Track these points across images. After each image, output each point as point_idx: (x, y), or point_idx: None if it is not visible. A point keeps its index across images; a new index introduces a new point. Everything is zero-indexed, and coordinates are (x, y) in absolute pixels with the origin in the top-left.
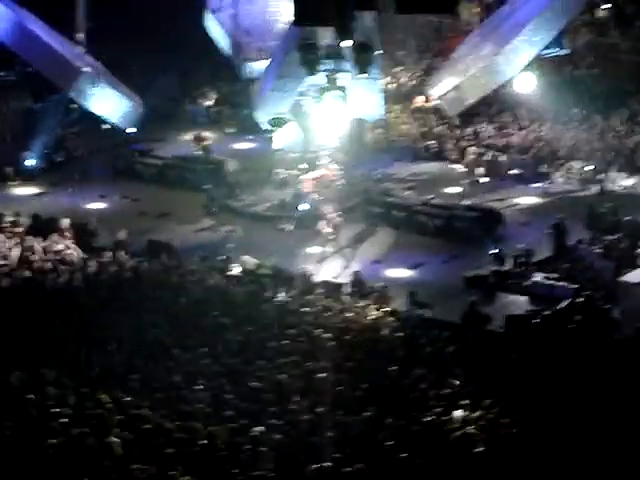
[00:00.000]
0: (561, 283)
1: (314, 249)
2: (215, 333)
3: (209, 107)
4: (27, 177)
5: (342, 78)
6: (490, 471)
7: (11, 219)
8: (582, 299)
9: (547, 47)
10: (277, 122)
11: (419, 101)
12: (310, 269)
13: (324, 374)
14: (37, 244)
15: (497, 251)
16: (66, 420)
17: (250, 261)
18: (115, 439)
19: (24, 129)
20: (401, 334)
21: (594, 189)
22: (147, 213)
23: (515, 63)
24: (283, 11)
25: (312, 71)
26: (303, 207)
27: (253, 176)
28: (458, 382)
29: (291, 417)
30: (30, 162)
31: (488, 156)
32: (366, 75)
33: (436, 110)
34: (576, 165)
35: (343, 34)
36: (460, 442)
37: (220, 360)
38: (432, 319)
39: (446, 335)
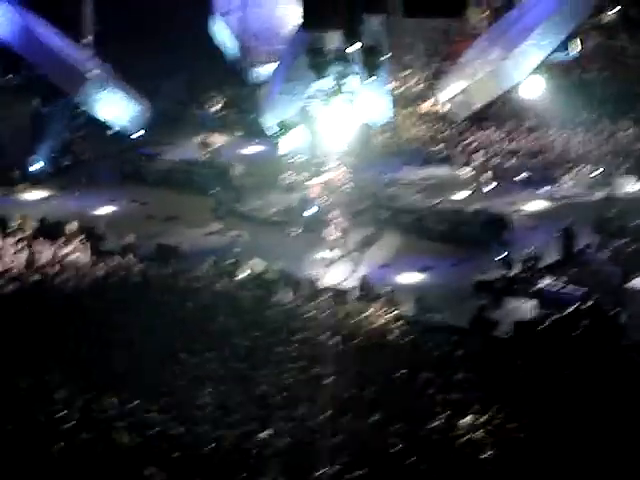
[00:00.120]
0: (569, 288)
1: (322, 253)
2: (222, 338)
3: (216, 111)
4: (34, 181)
5: (350, 82)
6: (497, 476)
7: (19, 223)
8: (589, 304)
9: (555, 51)
10: (284, 126)
11: (427, 105)
12: (318, 273)
13: (331, 379)
14: (45, 248)
15: (505, 256)
16: (73, 424)
17: (258, 264)
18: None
19: (31, 133)
20: (409, 339)
21: (602, 194)
22: (155, 217)
23: (523, 67)
24: (291, 15)
25: (320, 75)
26: (310, 211)
27: (260, 180)
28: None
29: (298, 422)
30: (37, 166)
31: (496, 160)
32: (374, 79)
33: (444, 114)
34: (584, 169)
35: (351, 38)
36: (467, 447)
37: (227, 365)
38: (440, 324)
39: (454, 340)
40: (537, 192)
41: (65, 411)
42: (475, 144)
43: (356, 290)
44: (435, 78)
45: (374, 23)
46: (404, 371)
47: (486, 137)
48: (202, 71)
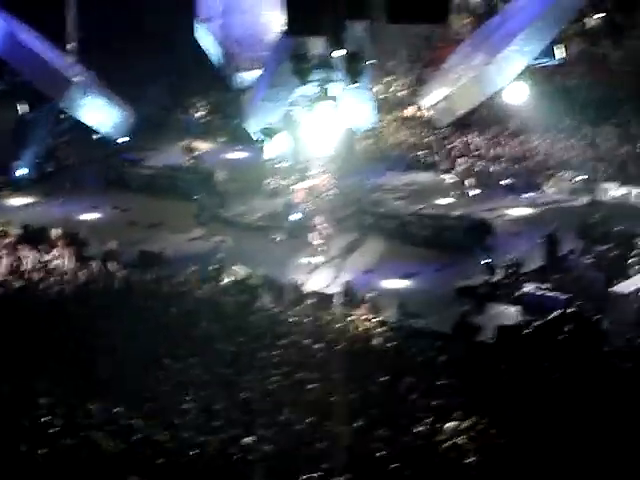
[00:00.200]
0: (552, 293)
1: (305, 259)
2: (206, 343)
3: (200, 117)
4: (18, 187)
5: (333, 88)
6: None
7: (2, 229)
8: (572, 310)
9: (538, 57)
10: (268, 132)
11: (411, 111)
12: (301, 279)
13: (315, 384)
14: (28, 254)
15: (488, 261)
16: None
17: (242, 270)
18: None
19: (15, 139)
20: (392, 344)
21: (585, 199)
22: (138, 223)
23: (506, 73)
24: (274, 21)
25: (304, 81)
26: (294, 217)
27: (244, 186)
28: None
29: (282, 427)
30: (21, 172)
31: (479, 166)
32: (357, 85)
33: (427, 120)
34: (567, 175)
35: (335, 44)
36: (450, 453)
37: (211, 370)
38: (423, 329)
39: (437, 345)
40: (520, 198)
41: (49, 417)
42: (458, 150)
43: (340, 295)
44: (418, 84)
45: (357, 29)
46: (387, 376)
47: (469, 143)
48: (186, 77)
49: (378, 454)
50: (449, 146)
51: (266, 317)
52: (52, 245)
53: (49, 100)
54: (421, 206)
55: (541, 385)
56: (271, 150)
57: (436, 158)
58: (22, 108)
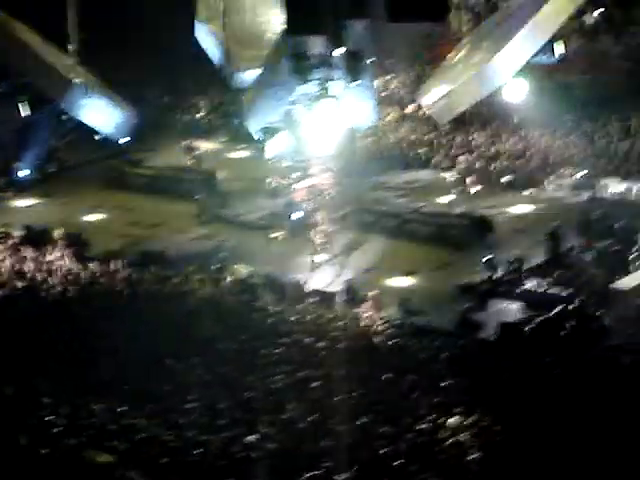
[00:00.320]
0: (553, 290)
1: (306, 258)
2: (208, 343)
3: (201, 116)
4: (20, 188)
5: (334, 87)
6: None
7: (3, 230)
8: (574, 306)
9: (538, 54)
10: (269, 131)
11: (411, 109)
12: (303, 278)
13: (317, 382)
14: (30, 255)
15: (489, 258)
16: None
17: (244, 269)
18: None
19: (17, 140)
20: (394, 342)
21: (586, 196)
22: (140, 223)
23: (506, 70)
24: (274, 20)
25: (304, 79)
26: (295, 216)
27: (245, 185)
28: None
29: (285, 425)
30: (22, 173)
31: (479, 163)
32: (358, 83)
33: (427, 118)
34: (568, 172)
35: (335, 43)
36: (453, 449)
37: (213, 369)
38: (425, 327)
39: (439, 343)
40: (521, 194)
41: (52, 417)
42: (459, 147)
43: (341, 294)
44: (418, 82)
45: (358, 28)
46: (390, 374)
47: (470, 140)
48: (187, 76)
49: (381, 451)
50: (449, 144)
51: (268, 316)
52: (54, 246)
53: (50, 101)
54: (422, 204)
55: (543, 381)
56: (272, 149)
57: (437, 156)
58: (24, 109)
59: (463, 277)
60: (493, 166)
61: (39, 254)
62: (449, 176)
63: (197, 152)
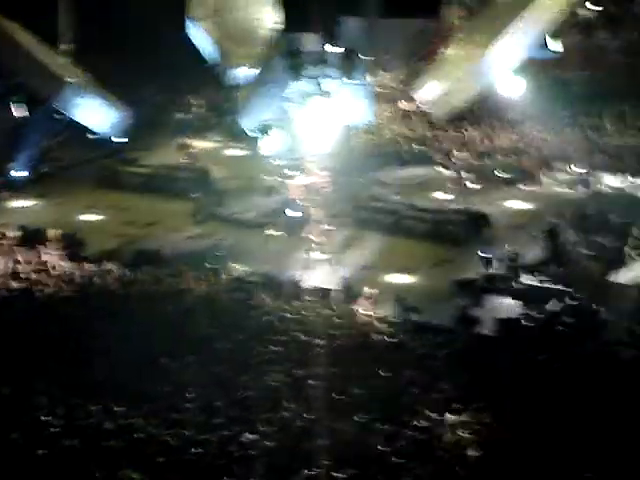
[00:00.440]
0: (551, 285)
1: (303, 255)
2: (204, 341)
3: (195, 114)
4: (13, 189)
5: (328, 84)
6: (483, 475)
7: None
8: (572, 301)
9: (533, 49)
10: (264, 129)
11: (406, 105)
12: (300, 275)
13: (315, 380)
14: (26, 255)
15: (486, 254)
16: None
17: (239, 268)
18: None
19: (11, 140)
20: (392, 339)
21: (582, 190)
22: (135, 222)
23: (502, 65)
24: (267, 17)
25: (299, 77)
26: (291, 214)
27: (241, 183)
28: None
29: (282, 424)
30: (17, 173)
31: (476, 159)
32: (352, 80)
33: (423, 114)
34: (564, 167)
35: (329, 40)
36: (452, 446)
37: (209, 368)
38: (423, 323)
39: (437, 339)
40: (518, 190)
41: (48, 417)
42: (455, 143)
43: (339, 291)
44: (414, 78)
45: (352, 24)
46: (388, 371)
47: (466, 136)
48: (180, 75)
49: (380, 448)
50: (446, 139)
51: (264, 314)
52: (49, 246)
53: (44, 101)
54: (419, 200)
55: (542, 376)
56: (267, 147)
57: (432, 152)
58: (17, 110)
59: (460, 273)
60: (489, 162)
61: (34, 255)
62: (446, 172)
63: (192, 150)
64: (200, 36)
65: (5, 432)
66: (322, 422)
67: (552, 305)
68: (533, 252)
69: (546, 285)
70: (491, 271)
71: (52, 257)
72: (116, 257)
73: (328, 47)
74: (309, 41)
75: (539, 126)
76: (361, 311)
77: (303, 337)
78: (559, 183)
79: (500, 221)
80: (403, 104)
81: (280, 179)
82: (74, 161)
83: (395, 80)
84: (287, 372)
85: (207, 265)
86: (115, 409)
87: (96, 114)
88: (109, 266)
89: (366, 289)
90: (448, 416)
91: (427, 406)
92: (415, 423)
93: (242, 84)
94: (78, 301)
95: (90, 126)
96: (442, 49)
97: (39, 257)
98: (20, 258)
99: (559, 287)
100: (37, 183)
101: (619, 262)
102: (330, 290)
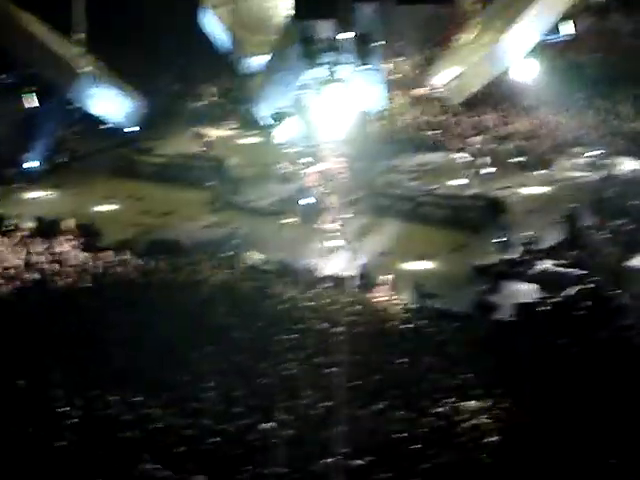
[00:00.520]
0: (568, 270)
1: (319, 243)
2: (222, 330)
3: (210, 103)
4: (30, 179)
5: (343, 70)
6: (503, 462)
7: (14, 222)
8: (589, 286)
9: (548, 33)
10: (278, 116)
11: (421, 91)
12: (317, 263)
13: (333, 368)
14: (42, 246)
15: (504, 240)
16: (75, 422)
17: (256, 256)
18: None
19: (26, 131)
20: (410, 325)
21: (599, 175)
22: (151, 212)
23: (517, 50)
24: (282, 5)
25: (313, 64)
26: (307, 201)
27: (256, 171)
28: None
29: (301, 412)
30: (32, 164)
31: (492, 144)
32: (367, 67)
33: (438, 100)
34: (581, 151)
35: (343, 26)
36: (472, 432)
37: (228, 357)
38: (441, 309)
39: (455, 325)
40: (534, 175)
41: (66, 409)
42: (470, 128)
43: (356, 278)
44: (429, 64)
45: (366, 11)
46: (406, 358)
47: (481, 121)
48: (195, 64)
49: (398, 435)
50: (460, 125)
51: (282, 302)
52: (65, 237)
53: (58, 92)
54: (435, 186)
55: (561, 361)
56: (282, 135)
57: (448, 138)
58: (31, 101)
59: (478, 259)
60: (505, 147)
61: (50, 245)
62: (461, 158)
63: (207, 139)
64: (214, 24)
65: (22, 425)
66: (340, 410)
67: (570, 290)
68: (550, 237)
69: (563, 270)
70: (509, 256)
71: (68, 248)
72: (132, 247)
73: (342, 34)
74: (323, 28)
75: (554, 110)
76: (379, 298)
77: (321, 325)
78: (575, 167)
79: (517, 206)
80: (418, 90)
81: (295, 167)
82: (89, 151)
83: (410, 66)
84: (305, 360)
85: (224, 254)
86: (133, 399)
87: (111, 104)
88: (125, 256)
89: (383, 276)
90: (467, 402)
91: (446, 392)
92: (434, 409)
93: (256, 72)
94: (94, 291)
95: (105, 116)
96: (457, 35)
97: (55, 248)
98: (36, 249)
99: (577, 272)
100: (52, 174)
101: (637, 246)
102: (347, 277)
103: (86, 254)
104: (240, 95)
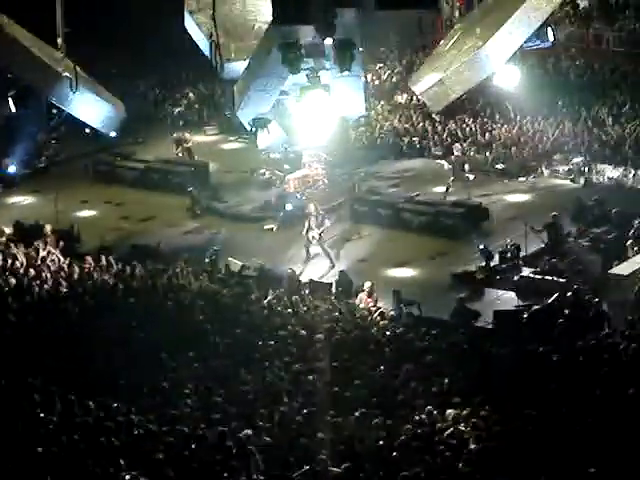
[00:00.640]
0: (549, 277)
1: (300, 249)
2: (202, 336)
3: (190, 109)
4: (8, 184)
5: (324, 76)
6: (482, 469)
7: None
8: (571, 293)
9: (530, 39)
10: (259, 122)
11: (403, 97)
12: (297, 269)
13: (313, 375)
14: (20, 252)
15: (484, 247)
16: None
17: (236, 262)
18: None
19: (4, 135)
20: (389, 332)
21: (580, 182)
22: (131, 217)
23: (498, 56)
24: (263, 10)
25: (293, 70)
26: (288, 207)
27: (237, 177)
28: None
29: (280, 419)
30: (11, 169)
31: (473, 151)
32: (348, 72)
33: (419, 106)
34: (562, 158)
35: (324, 32)
36: (451, 440)
37: (208, 363)
38: (420, 316)
39: (435, 332)
40: (516, 182)
41: (46, 414)
42: (452, 135)
43: (336, 285)
44: (409, 70)
45: (347, 16)
46: (387, 365)
47: (463, 128)
48: (176, 68)
49: (379, 443)
50: (443, 131)
51: (262, 308)
52: (45, 241)
53: (38, 95)
54: (415, 193)
55: (541, 369)
56: (263, 140)
57: (429, 144)
58: (10, 104)
59: (459, 266)
60: (487, 153)
61: (30, 250)
62: (442, 164)
63: (188, 144)
64: (196, 29)
65: (2, 429)
66: (321, 417)
67: (550, 297)
68: (531, 244)
69: (544, 277)
70: (489, 264)
71: (48, 253)
72: (113, 252)
73: (323, 40)
74: (305, 33)
75: (537, 117)
76: (359, 305)
77: (301, 331)
78: (558, 175)
79: (498, 213)
80: (400, 96)
81: (276, 173)
82: (69, 156)
83: (392, 72)
84: (286, 367)
85: (205, 259)
86: (113, 405)
87: (91, 108)
88: (106, 261)
89: (364, 283)
90: (448, 410)
91: (426, 400)
92: (414, 417)
93: (237, 78)
94: (74, 297)
95: (85, 121)
96: (440, 41)
97: (35, 253)
98: (15, 254)
99: (557, 279)
100: (31, 178)
101: (617, 253)
102: (328, 284)
103: (66, 259)
104: (221, 100)
